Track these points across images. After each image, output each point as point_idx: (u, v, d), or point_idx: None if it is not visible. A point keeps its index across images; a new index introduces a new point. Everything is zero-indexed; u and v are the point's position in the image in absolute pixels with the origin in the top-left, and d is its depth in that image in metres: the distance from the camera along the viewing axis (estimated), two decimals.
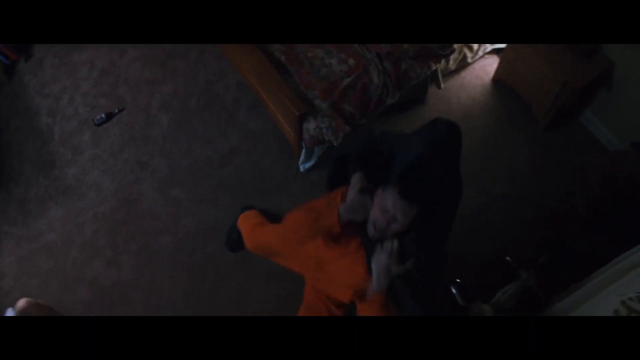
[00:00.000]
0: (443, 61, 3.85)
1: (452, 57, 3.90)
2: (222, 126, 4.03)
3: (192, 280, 3.49)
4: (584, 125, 3.95)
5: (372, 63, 3.56)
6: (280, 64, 3.66)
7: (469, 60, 4.10)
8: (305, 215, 2.40)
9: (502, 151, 3.86)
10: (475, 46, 4.00)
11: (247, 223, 3.22)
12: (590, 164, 3.53)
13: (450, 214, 2.21)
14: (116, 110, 4.10)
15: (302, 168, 3.74)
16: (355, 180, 2.23)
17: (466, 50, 3.97)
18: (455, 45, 3.80)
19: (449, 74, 4.15)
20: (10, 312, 2.95)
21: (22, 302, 2.93)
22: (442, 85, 4.08)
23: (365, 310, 2.31)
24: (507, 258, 3.38)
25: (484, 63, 4.24)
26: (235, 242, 3.48)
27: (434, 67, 3.74)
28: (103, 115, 4.05)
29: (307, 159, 3.67)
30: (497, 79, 4.11)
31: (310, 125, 3.37)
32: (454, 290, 3.20)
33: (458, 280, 3.23)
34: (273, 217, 3.49)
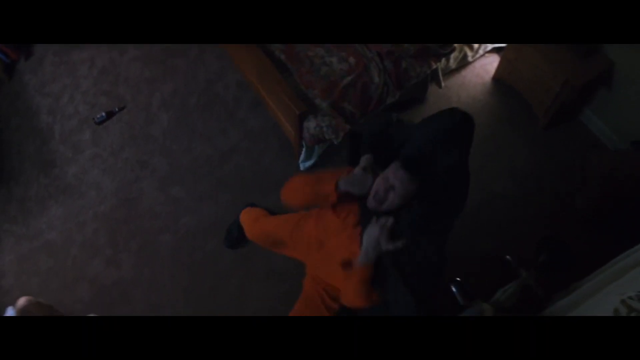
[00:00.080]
0: (443, 60, 3.85)
1: (452, 55, 3.90)
2: (222, 125, 4.04)
3: (192, 278, 3.49)
4: (584, 123, 3.95)
5: (372, 62, 3.55)
6: (281, 62, 3.65)
7: (470, 59, 4.10)
8: (308, 178, 2.44)
9: (502, 150, 3.86)
10: (476, 45, 4.00)
11: (250, 215, 3.22)
12: (590, 162, 3.53)
13: (451, 208, 2.20)
14: (116, 109, 4.11)
15: (302, 167, 3.74)
16: (364, 160, 2.26)
17: (467, 49, 3.97)
18: (456, 44, 3.80)
19: (450, 72, 4.15)
20: (10, 311, 2.96)
21: (22, 301, 2.94)
22: (443, 84, 4.08)
23: (345, 281, 2.24)
24: (507, 257, 3.38)
25: (484, 62, 4.24)
26: (235, 239, 3.48)
27: (434, 66, 3.73)
28: (103, 114, 4.05)
29: (307, 158, 3.67)
30: (497, 78, 4.11)
31: (311, 124, 3.37)
32: (454, 289, 3.20)
33: (458, 279, 3.23)
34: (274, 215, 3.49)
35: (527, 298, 3.05)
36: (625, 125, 3.65)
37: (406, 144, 2.29)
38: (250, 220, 3.15)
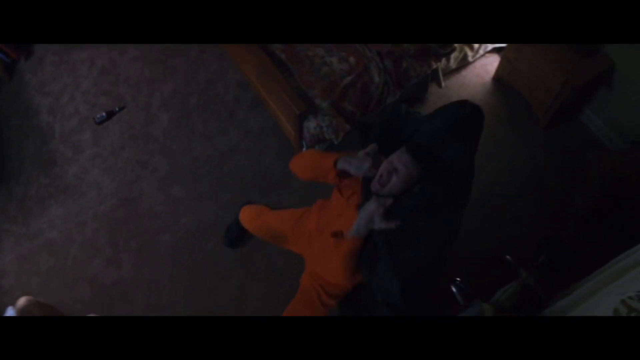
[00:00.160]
0: (444, 60, 3.84)
1: (452, 55, 3.89)
2: (222, 124, 4.04)
3: (192, 278, 3.49)
4: (584, 123, 3.94)
5: (372, 62, 3.55)
6: (281, 62, 3.65)
7: (470, 59, 4.10)
8: (316, 152, 2.55)
9: (502, 150, 3.86)
10: (476, 45, 3.99)
11: (252, 209, 3.22)
12: (590, 162, 3.53)
13: (453, 199, 2.19)
14: (117, 109, 4.11)
15: None
16: (369, 147, 2.28)
17: (467, 49, 3.97)
18: (456, 44, 3.80)
19: (450, 72, 4.15)
20: (10, 311, 2.96)
21: (22, 301, 2.94)
22: (443, 84, 4.07)
23: (333, 251, 2.26)
24: (507, 257, 3.38)
25: (484, 62, 4.24)
26: (234, 237, 3.49)
27: (434, 66, 3.73)
28: (104, 114, 4.05)
29: None
30: (497, 78, 4.11)
31: (311, 124, 3.37)
32: (453, 289, 3.20)
33: (458, 279, 3.23)
34: None
35: (527, 298, 3.05)
36: (626, 125, 3.65)
37: (414, 133, 2.31)
38: (252, 215, 3.15)
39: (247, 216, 3.18)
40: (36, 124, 4.12)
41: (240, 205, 3.49)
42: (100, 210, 3.75)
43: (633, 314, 1.85)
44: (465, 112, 2.24)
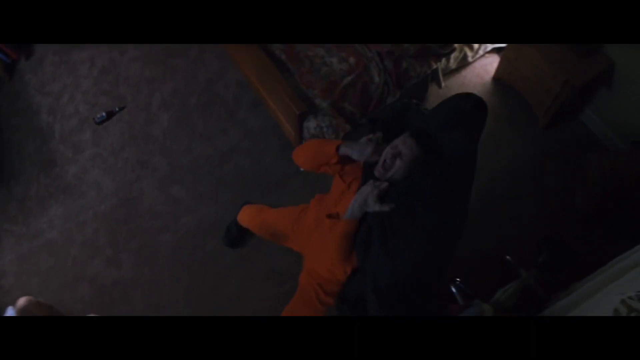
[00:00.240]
0: (443, 60, 3.85)
1: (452, 56, 3.89)
2: (222, 124, 4.04)
3: (192, 278, 3.50)
4: (584, 123, 3.94)
5: (372, 62, 3.55)
6: (281, 62, 3.65)
7: (470, 59, 4.10)
8: (318, 140, 2.60)
9: (502, 149, 3.86)
10: (476, 45, 3.99)
11: (252, 208, 3.23)
12: (590, 162, 3.53)
13: (452, 190, 2.18)
14: (117, 109, 4.11)
15: (302, 168, 3.73)
16: (374, 134, 2.30)
17: (467, 49, 3.97)
18: (456, 45, 3.80)
19: (450, 72, 4.15)
20: (10, 311, 2.96)
21: (22, 301, 2.94)
22: (443, 84, 4.07)
23: (328, 234, 2.26)
24: (507, 257, 3.38)
25: (484, 62, 4.24)
26: (234, 237, 3.49)
27: (434, 66, 3.73)
28: (104, 114, 4.05)
29: None
30: (497, 78, 4.11)
31: (311, 124, 3.37)
32: (453, 290, 3.20)
33: (458, 279, 3.23)
34: None
35: (527, 298, 3.05)
36: (625, 125, 3.65)
37: (420, 124, 2.32)
38: (253, 213, 3.16)
39: (248, 215, 3.18)
40: (36, 124, 4.12)
41: (240, 205, 3.50)
42: (100, 210, 3.75)
43: (633, 314, 1.85)
44: (469, 104, 2.26)
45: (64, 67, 4.37)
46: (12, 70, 4.41)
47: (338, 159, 2.29)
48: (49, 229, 3.70)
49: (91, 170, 3.90)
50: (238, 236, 3.47)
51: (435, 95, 4.07)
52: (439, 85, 4.07)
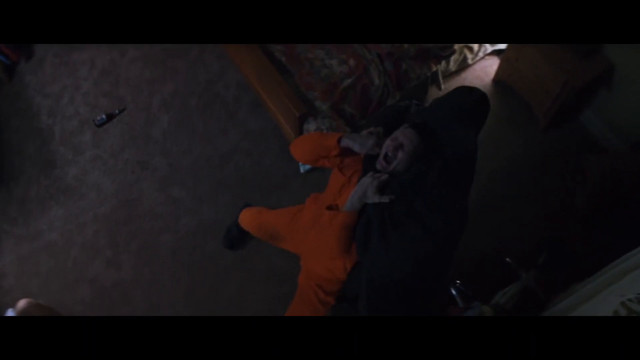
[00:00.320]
0: (443, 62, 3.85)
1: (452, 58, 3.90)
2: (222, 125, 4.04)
3: (192, 279, 3.50)
4: (584, 124, 3.94)
5: (372, 64, 3.55)
6: (281, 64, 3.66)
7: (470, 61, 4.10)
8: (317, 133, 2.63)
9: (502, 150, 3.86)
10: (476, 47, 4.00)
11: (252, 210, 3.23)
12: (590, 163, 3.53)
13: (450, 182, 2.18)
14: (117, 111, 4.11)
15: (302, 169, 3.74)
16: (374, 128, 2.31)
17: (466, 52, 3.97)
18: (456, 47, 3.80)
19: (450, 75, 4.15)
20: (10, 313, 2.96)
21: (22, 303, 2.94)
22: (443, 86, 4.07)
23: (327, 227, 2.25)
24: (507, 259, 3.38)
25: (484, 64, 4.24)
26: (234, 239, 3.49)
27: (434, 68, 3.74)
28: (104, 116, 4.05)
29: None
30: (497, 80, 4.11)
31: (311, 126, 3.37)
32: (453, 292, 3.20)
33: (458, 281, 3.23)
34: None
35: (527, 300, 3.05)
36: (625, 126, 3.65)
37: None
38: (252, 215, 3.16)
39: (248, 217, 3.19)
40: (36, 125, 4.12)
41: (240, 206, 3.50)
42: (100, 212, 3.75)
43: (633, 316, 1.86)
44: (473, 98, 2.26)
45: (64, 68, 4.37)
46: (12, 71, 4.41)
47: (339, 152, 2.28)
48: (49, 231, 3.71)
49: (91, 172, 3.90)
50: (238, 238, 3.48)
51: (435, 97, 4.07)
52: (439, 88, 4.08)
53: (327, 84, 3.49)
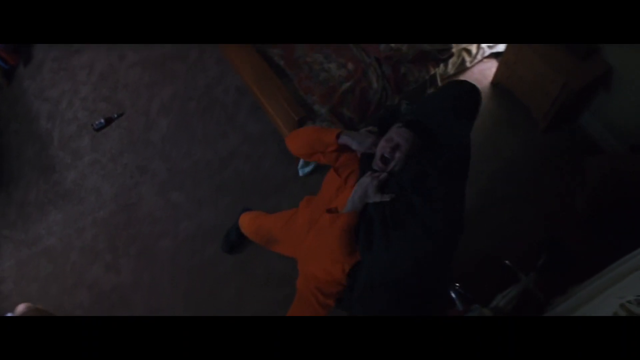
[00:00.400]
0: (442, 65, 3.85)
1: (450, 61, 3.90)
2: (221, 129, 4.04)
3: (191, 283, 3.50)
4: (583, 126, 3.95)
5: (371, 67, 3.56)
6: (280, 68, 3.66)
7: (468, 64, 4.10)
8: (315, 127, 2.58)
9: (501, 153, 3.86)
10: (474, 50, 4.00)
11: (250, 215, 3.23)
12: (589, 164, 3.54)
13: (446, 176, 2.17)
14: (115, 115, 4.11)
15: (301, 172, 3.74)
16: (370, 127, 2.32)
17: (465, 55, 3.97)
18: (454, 50, 3.81)
19: (448, 78, 4.15)
20: None
21: (21, 307, 2.94)
22: None
23: (327, 229, 2.23)
24: (506, 262, 3.37)
25: (482, 67, 4.25)
26: (233, 243, 3.49)
27: (432, 71, 3.74)
28: (102, 121, 4.05)
29: (306, 164, 3.68)
30: (495, 82, 4.12)
31: None
32: (452, 295, 3.19)
33: (457, 284, 3.23)
34: None
35: (526, 302, 3.05)
36: (624, 128, 3.66)
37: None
38: (249, 219, 3.17)
39: (247, 222, 3.19)
40: (35, 129, 4.13)
41: (239, 210, 3.50)
42: (99, 216, 3.75)
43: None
44: (463, 90, 2.27)
45: (63, 73, 4.38)
46: (11, 76, 4.41)
47: (336, 148, 2.28)
48: (48, 235, 3.70)
49: (90, 176, 3.91)
50: (237, 242, 3.47)
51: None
52: None
53: (325, 88, 3.50)
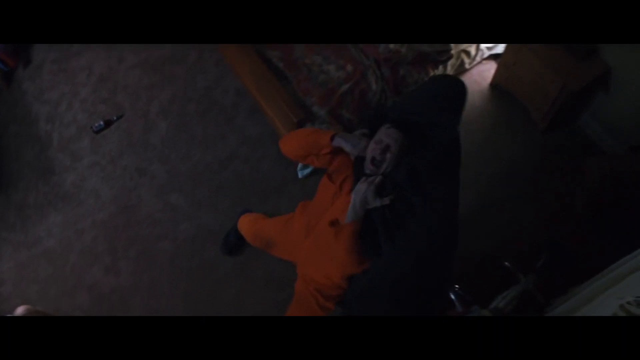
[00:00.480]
0: (441, 67, 3.85)
1: (449, 63, 3.90)
2: (220, 131, 4.04)
3: (191, 285, 3.49)
4: (582, 128, 3.95)
5: (370, 69, 3.56)
6: (279, 70, 3.66)
7: (467, 66, 4.10)
8: (308, 129, 2.60)
9: (500, 155, 3.86)
10: (473, 52, 4.00)
11: (249, 218, 3.23)
12: (589, 165, 3.54)
13: (439, 170, 2.17)
14: (114, 118, 4.11)
15: (300, 174, 3.74)
16: (361, 130, 2.32)
17: (464, 56, 3.97)
18: (453, 51, 3.81)
19: None
20: None
21: (21, 309, 2.94)
22: None
23: (332, 242, 2.22)
24: (506, 263, 3.37)
25: (481, 69, 4.24)
26: (232, 245, 3.49)
27: (431, 73, 3.74)
28: (101, 123, 4.05)
29: (305, 166, 3.68)
30: (494, 84, 4.11)
31: None
32: (452, 296, 3.19)
33: (456, 285, 3.23)
34: None
35: (526, 304, 3.05)
36: (624, 128, 3.66)
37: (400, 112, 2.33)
38: (248, 223, 3.17)
39: (246, 225, 3.19)
40: (34, 131, 4.13)
41: (239, 212, 3.50)
42: (98, 218, 3.75)
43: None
44: (448, 84, 2.28)
45: (62, 75, 4.38)
46: (10, 78, 4.42)
47: (330, 150, 2.29)
48: (48, 237, 3.70)
49: (89, 178, 3.91)
50: (236, 244, 3.47)
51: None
52: None
53: (324, 90, 3.50)
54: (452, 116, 2.24)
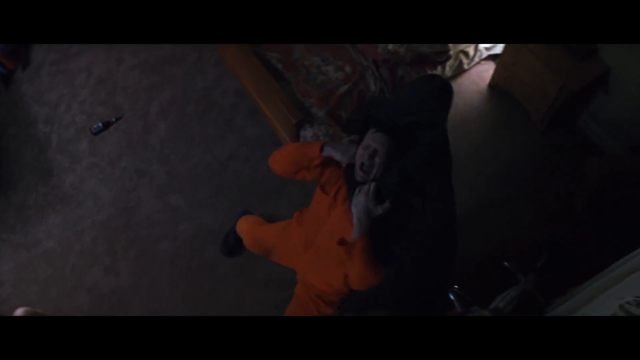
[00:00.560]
0: (439, 67, 3.86)
1: (448, 63, 3.90)
2: (220, 132, 4.04)
3: (190, 285, 3.49)
4: (581, 128, 3.95)
5: (368, 70, 3.56)
6: (278, 71, 3.66)
7: (465, 66, 4.10)
8: (296, 144, 2.58)
9: (500, 155, 3.86)
10: (471, 52, 4.00)
11: (248, 223, 3.23)
12: (588, 166, 3.54)
13: (432, 167, 2.17)
14: (113, 119, 4.11)
15: None
16: (352, 136, 2.31)
17: (462, 57, 3.97)
18: (451, 52, 3.81)
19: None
20: None
21: (20, 311, 2.94)
22: None
23: (348, 257, 2.19)
24: (505, 263, 3.37)
25: (480, 69, 4.24)
26: (231, 246, 3.49)
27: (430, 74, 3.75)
28: (100, 124, 4.05)
29: None
30: (493, 84, 4.12)
31: (307, 133, 3.38)
32: (451, 297, 3.19)
33: (456, 286, 3.23)
34: (271, 222, 3.49)
35: (526, 304, 3.05)
36: (623, 128, 3.66)
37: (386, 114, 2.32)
38: (246, 229, 3.16)
39: (245, 229, 3.19)
40: (33, 133, 4.12)
41: (238, 213, 3.50)
42: (98, 219, 3.74)
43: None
44: (434, 84, 2.27)
45: (61, 76, 4.38)
46: (9, 79, 4.41)
47: (320, 161, 2.27)
48: (47, 238, 3.70)
49: (89, 180, 3.90)
50: (236, 245, 3.47)
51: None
52: None
53: (323, 91, 3.50)
54: (438, 114, 2.23)
